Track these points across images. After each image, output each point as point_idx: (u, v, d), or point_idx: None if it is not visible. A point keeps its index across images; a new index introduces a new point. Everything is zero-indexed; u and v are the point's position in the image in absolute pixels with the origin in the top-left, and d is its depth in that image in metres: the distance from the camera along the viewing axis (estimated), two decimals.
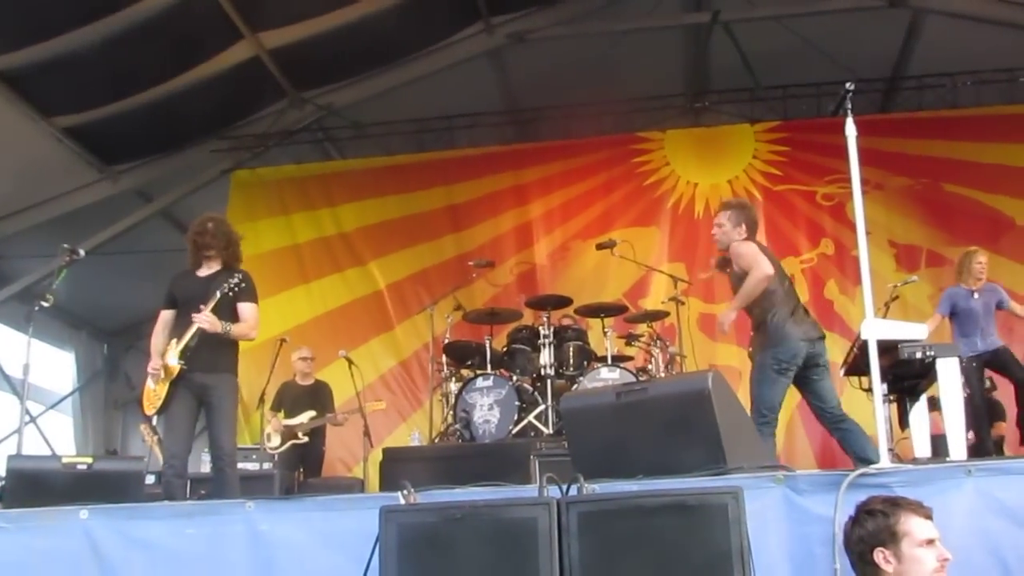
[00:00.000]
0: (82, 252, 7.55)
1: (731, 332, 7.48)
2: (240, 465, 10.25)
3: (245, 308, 7.01)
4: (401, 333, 13.16)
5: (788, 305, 7.15)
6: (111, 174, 13.26)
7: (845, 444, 7.03)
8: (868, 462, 5.48)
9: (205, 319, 6.76)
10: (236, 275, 6.96)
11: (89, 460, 6.13)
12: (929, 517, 3.77)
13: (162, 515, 4.95)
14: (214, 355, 6.87)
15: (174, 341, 6.89)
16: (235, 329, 6.89)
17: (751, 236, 7.41)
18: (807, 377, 7.11)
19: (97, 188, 13.30)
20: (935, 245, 12.54)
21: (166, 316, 7.15)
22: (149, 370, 6.96)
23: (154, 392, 6.94)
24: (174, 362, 6.82)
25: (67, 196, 13.08)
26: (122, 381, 16.23)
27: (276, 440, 10.61)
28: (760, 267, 7.03)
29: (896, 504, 3.81)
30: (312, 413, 10.70)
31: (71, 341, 15.67)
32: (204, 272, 7.11)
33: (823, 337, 7.20)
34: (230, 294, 6.88)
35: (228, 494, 6.57)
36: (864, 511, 3.87)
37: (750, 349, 7.45)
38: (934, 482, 4.28)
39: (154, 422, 7.48)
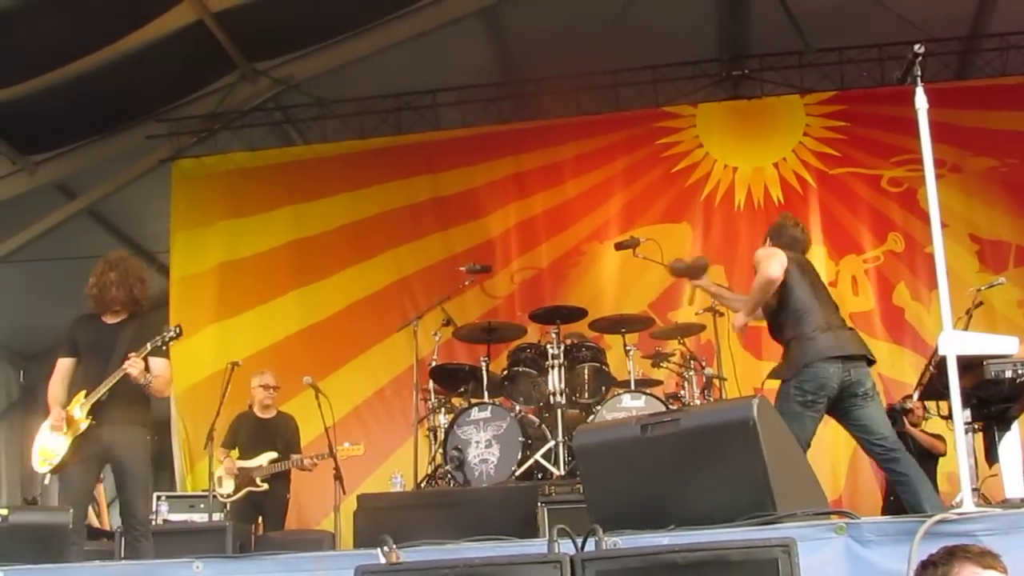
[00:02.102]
0: None
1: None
2: (186, 516, 10.36)
3: (159, 364, 7.28)
4: (378, 355, 13.15)
5: (819, 321, 7.16)
6: (27, 165, 13.29)
7: (899, 491, 7.05)
8: None
9: (136, 365, 7.01)
10: (157, 330, 7.29)
11: (5, 511, 6.13)
12: (992, 567, 3.75)
13: None
14: (125, 409, 7.15)
15: (83, 393, 7.16)
16: (155, 383, 7.19)
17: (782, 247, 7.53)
18: (843, 407, 7.10)
19: (10, 182, 13.33)
20: None
21: (65, 365, 7.46)
22: (51, 423, 7.21)
23: (51, 448, 7.21)
24: (80, 415, 7.11)
25: None
26: (42, 414, 16.22)
27: (229, 485, 10.58)
28: (765, 267, 7.14)
29: (951, 553, 3.81)
30: (273, 454, 10.67)
31: None
32: (111, 319, 7.39)
33: (864, 359, 7.17)
34: (163, 347, 7.21)
35: None
36: (920, 564, 3.88)
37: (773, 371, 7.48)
38: None
39: (46, 481, 7.74)
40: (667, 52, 13.39)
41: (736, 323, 7.57)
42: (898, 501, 8.68)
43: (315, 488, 11.31)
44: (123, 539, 8.32)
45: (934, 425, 10.04)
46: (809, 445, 7.03)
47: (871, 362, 7.28)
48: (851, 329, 7.42)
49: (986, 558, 3.77)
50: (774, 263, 7.14)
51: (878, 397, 7.25)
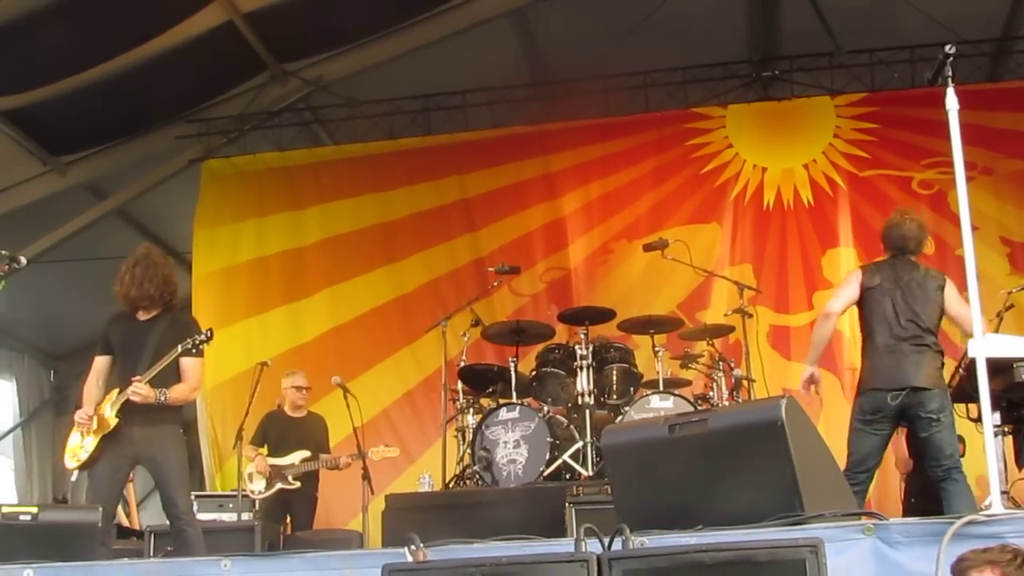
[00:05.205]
0: (23, 260, 7.61)
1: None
2: (215, 515, 10.41)
3: (189, 364, 7.29)
4: (407, 356, 13.17)
5: (888, 344, 7.14)
6: (57, 166, 13.37)
7: (944, 504, 7.04)
8: None
9: (140, 392, 7.00)
10: (188, 327, 7.34)
11: (34, 510, 6.18)
12: (986, 567, 3.74)
13: (123, 575, 4.98)
14: (155, 409, 7.13)
15: (115, 391, 7.18)
16: (172, 394, 7.16)
17: (889, 248, 7.61)
18: (912, 428, 7.19)
19: (41, 183, 13.41)
20: None
21: (101, 364, 7.46)
22: (78, 420, 7.25)
23: (80, 445, 7.24)
24: (110, 414, 7.11)
25: (5, 193, 13.19)
26: (73, 413, 16.31)
27: (260, 483, 10.59)
28: (829, 302, 7.16)
29: (965, 557, 3.82)
30: (305, 452, 10.69)
31: (11, 368, 15.78)
32: (143, 316, 7.39)
33: (921, 388, 7.13)
34: (193, 350, 7.19)
35: (195, 555, 6.67)
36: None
37: None
38: None
39: (74, 478, 7.77)
40: (697, 53, 13.38)
41: (803, 380, 7.53)
42: (919, 503, 8.68)
43: (343, 488, 11.34)
44: (152, 536, 8.45)
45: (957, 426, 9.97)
46: (871, 458, 7.08)
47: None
48: (921, 348, 7.28)
49: (991, 554, 3.77)
50: (835, 298, 7.33)
51: (947, 419, 7.17)
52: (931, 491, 7.26)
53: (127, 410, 7.06)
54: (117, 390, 7.15)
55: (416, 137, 13.97)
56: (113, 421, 7.07)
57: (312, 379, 11.24)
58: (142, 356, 7.14)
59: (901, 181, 12.88)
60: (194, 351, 7.20)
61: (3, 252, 7.62)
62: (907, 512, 9.58)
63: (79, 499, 14.01)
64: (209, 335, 7.29)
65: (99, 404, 7.20)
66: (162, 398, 7.06)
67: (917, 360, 7.20)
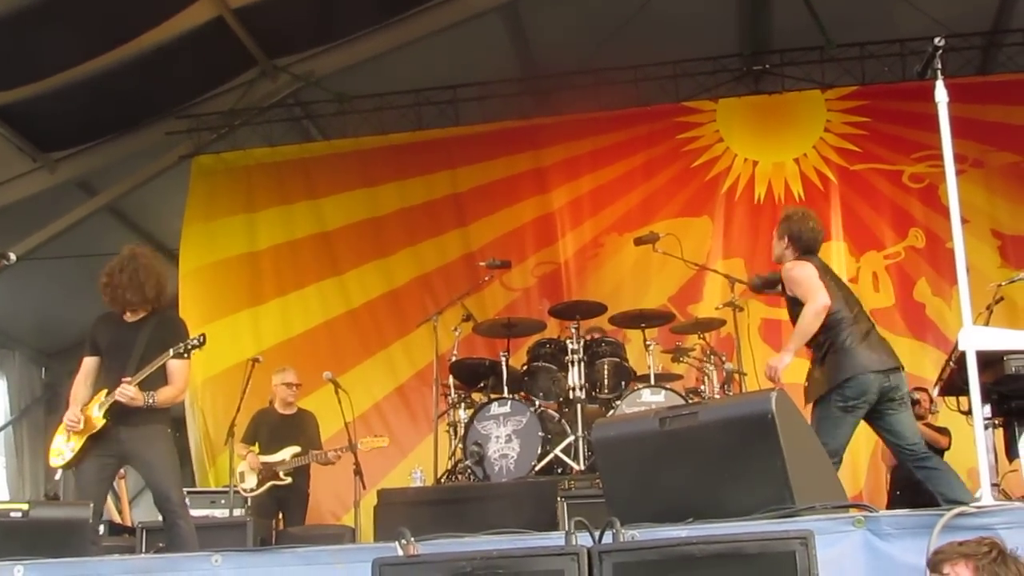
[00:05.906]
0: (13, 257, 7.59)
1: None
2: (207, 512, 10.40)
3: (176, 367, 7.22)
4: (398, 351, 13.20)
5: (858, 331, 7.12)
6: (47, 162, 13.35)
7: (931, 485, 7.00)
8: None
9: (127, 393, 6.96)
10: (176, 328, 7.33)
11: (25, 507, 6.17)
12: (970, 563, 3.75)
13: (113, 571, 4.98)
14: (142, 409, 7.08)
15: (103, 392, 7.13)
16: (160, 397, 7.11)
17: (802, 251, 7.42)
18: (879, 411, 7.09)
19: (30, 179, 13.39)
20: None
21: (89, 364, 7.41)
22: (66, 421, 7.20)
23: (66, 444, 7.21)
24: (97, 414, 7.07)
25: None
26: (64, 411, 16.29)
27: (252, 480, 10.59)
28: (816, 298, 7.05)
29: (940, 550, 3.83)
30: (296, 448, 10.68)
31: (2, 365, 15.76)
32: (130, 317, 7.34)
33: (899, 368, 7.15)
34: (185, 353, 7.15)
35: (188, 549, 6.65)
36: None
37: (806, 384, 7.37)
38: None
39: (57, 476, 7.74)
40: (688, 47, 13.38)
41: (779, 367, 7.29)
42: (904, 495, 8.69)
43: (335, 484, 11.36)
44: (144, 532, 8.44)
45: (946, 419, 10.00)
46: (844, 448, 7.04)
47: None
48: (880, 336, 7.32)
49: (958, 547, 3.78)
50: (819, 292, 7.07)
51: (909, 402, 7.27)
52: (916, 483, 7.27)
53: (114, 411, 7.03)
54: (105, 391, 7.10)
55: (406, 132, 13.98)
56: (100, 422, 7.03)
57: (303, 373, 11.20)
58: (130, 358, 7.09)
59: (892, 175, 12.91)
60: (184, 355, 7.19)
61: None
62: (892, 504, 9.61)
63: (67, 497, 14.01)
64: (202, 340, 7.25)
65: (87, 404, 7.18)
66: (150, 401, 7.01)
67: (887, 345, 7.27)
